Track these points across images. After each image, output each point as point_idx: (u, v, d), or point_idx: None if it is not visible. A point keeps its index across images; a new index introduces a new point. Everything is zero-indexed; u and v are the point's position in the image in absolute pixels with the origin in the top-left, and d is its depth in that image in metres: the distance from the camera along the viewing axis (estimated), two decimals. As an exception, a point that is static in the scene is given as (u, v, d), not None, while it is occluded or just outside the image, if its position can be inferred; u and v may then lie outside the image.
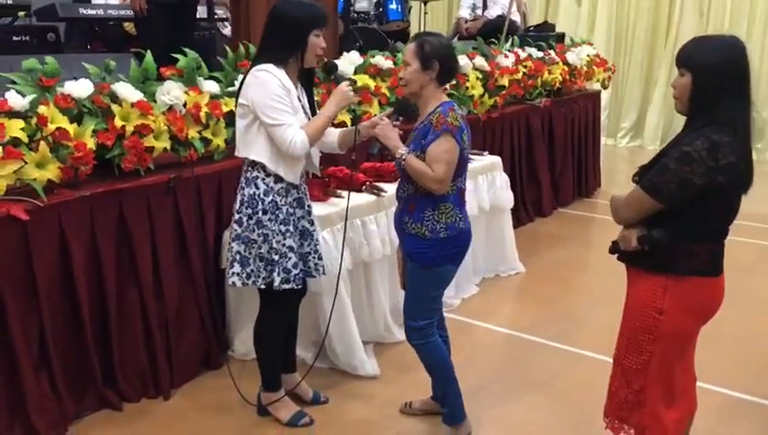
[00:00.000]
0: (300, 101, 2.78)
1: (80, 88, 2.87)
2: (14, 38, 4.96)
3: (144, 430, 2.98)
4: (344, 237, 2.98)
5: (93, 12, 5.00)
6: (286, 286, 2.76)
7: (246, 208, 2.74)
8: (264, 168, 2.70)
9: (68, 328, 2.93)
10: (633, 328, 2.30)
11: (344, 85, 2.77)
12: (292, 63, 2.70)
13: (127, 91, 3.00)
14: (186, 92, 3.27)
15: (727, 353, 3.58)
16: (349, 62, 4.20)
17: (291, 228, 2.77)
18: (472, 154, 4.52)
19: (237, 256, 2.77)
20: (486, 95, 5.21)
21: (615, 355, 2.39)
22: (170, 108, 3.16)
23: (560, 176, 6.39)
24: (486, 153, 4.66)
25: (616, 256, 2.36)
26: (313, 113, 2.84)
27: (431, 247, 2.69)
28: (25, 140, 2.67)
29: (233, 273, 2.79)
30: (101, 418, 3.03)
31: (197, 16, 4.96)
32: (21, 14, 4.53)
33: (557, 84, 6.11)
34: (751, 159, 2.20)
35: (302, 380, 3.08)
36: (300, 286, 2.81)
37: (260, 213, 2.72)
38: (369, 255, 3.55)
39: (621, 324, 2.36)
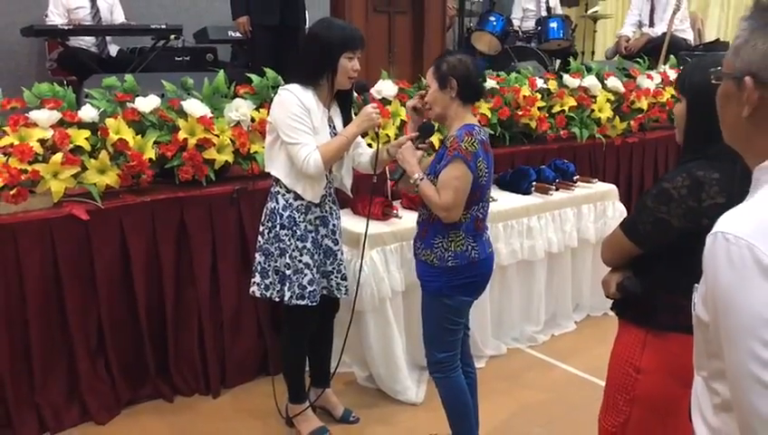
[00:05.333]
0: (331, 121, 2.82)
1: (146, 103, 3.15)
2: (176, 58, 5.57)
3: (183, 422, 3.18)
4: (361, 264, 2.94)
5: (239, 35, 5.41)
6: (300, 302, 2.79)
7: (267, 222, 2.82)
8: (285, 184, 2.77)
9: (125, 322, 3.21)
10: (612, 385, 2.03)
11: (369, 107, 2.75)
12: (324, 84, 2.73)
13: (193, 107, 3.24)
14: (257, 109, 3.45)
15: None
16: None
17: (308, 245, 2.80)
18: (581, 181, 4.26)
19: (258, 267, 2.86)
20: (618, 118, 4.83)
21: (599, 413, 2.12)
22: (237, 123, 3.35)
23: (720, 210, 5.70)
24: (596, 181, 4.31)
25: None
26: None
27: (438, 276, 2.58)
28: (88, 148, 2.99)
29: (253, 282, 2.88)
30: (152, 406, 3.28)
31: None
32: (172, 36, 5.03)
33: (718, 108, 5.47)
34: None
35: (305, 405, 3.07)
36: (315, 303, 2.82)
37: (278, 227, 2.78)
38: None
39: (606, 379, 2.09)
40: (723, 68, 1.19)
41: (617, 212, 4.30)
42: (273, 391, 3.15)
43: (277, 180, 2.80)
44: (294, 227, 2.78)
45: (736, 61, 1.15)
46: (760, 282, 1.03)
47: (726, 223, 1.10)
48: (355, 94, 2.97)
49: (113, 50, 5.43)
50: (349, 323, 2.96)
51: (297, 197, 2.77)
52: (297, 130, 2.66)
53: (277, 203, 2.79)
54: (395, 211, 3.47)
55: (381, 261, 3.29)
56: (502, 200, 3.85)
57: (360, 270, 2.95)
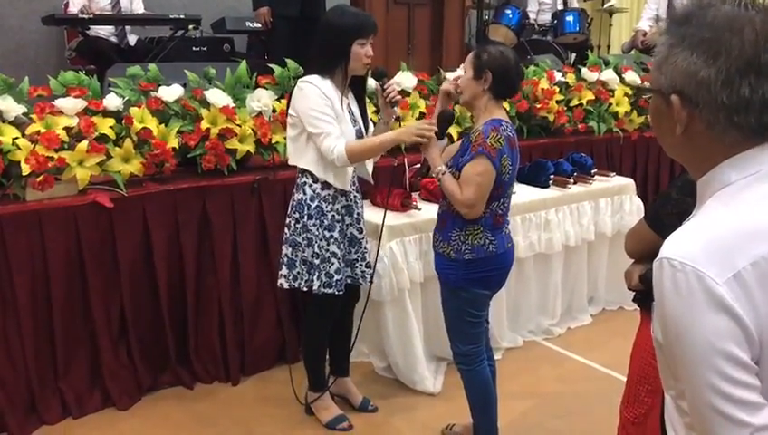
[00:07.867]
0: (350, 108, 2.84)
1: (169, 92, 3.18)
2: (194, 48, 5.59)
3: (203, 408, 3.21)
4: (377, 255, 2.98)
5: (257, 26, 5.43)
6: (327, 291, 2.82)
7: (294, 213, 2.84)
8: (312, 175, 2.79)
9: (147, 309, 3.24)
10: (633, 376, 2.05)
11: (426, 123, 2.71)
12: (339, 72, 2.76)
13: (216, 97, 3.26)
14: (278, 100, 3.47)
15: None
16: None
17: (336, 235, 2.82)
18: (599, 175, 4.27)
19: (285, 259, 2.88)
20: (635, 113, 4.83)
21: (620, 405, 2.14)
22: (259, 114, 3.38)
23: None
24: (614, 174, 4.32)
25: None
26: (365, 120, 2.89)
27: (455, 269, 2.60)
28: (113, 136, 3.02)
29: (281, 274, 2.90)
30: (173, 393, 3.32)
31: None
32: (191, 27, 5.05)
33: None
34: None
35: (323, 392, 3.10)
36: (341, 292, 2.85)
37: (305, 218, 2.80)
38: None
39: (628, 370, 2.11)
40: (649, 84, 1.13)
41: (634, 206, 4.31)
42: (290, 380, 3.18)
43: (303, 172, 2.82)
44: (322, 217, 2.80)
45: (660, 78, 1.09)
46: (709, 311, 0.97)
47: (672, 247, 1.03)
48: (375, 83, 2.97)
49: (132, 39, 5.46)
50: (363, 311, 3.02)
51: (324, 187, 2.80)
52: (321, 120, 2.68)
53: (304, 194, 2.81)
54: (414, 202, 3.49)
55: (400, 252, 3.31)
56: (520, 193, 3.85)
57: (377, 259, 2.98)
